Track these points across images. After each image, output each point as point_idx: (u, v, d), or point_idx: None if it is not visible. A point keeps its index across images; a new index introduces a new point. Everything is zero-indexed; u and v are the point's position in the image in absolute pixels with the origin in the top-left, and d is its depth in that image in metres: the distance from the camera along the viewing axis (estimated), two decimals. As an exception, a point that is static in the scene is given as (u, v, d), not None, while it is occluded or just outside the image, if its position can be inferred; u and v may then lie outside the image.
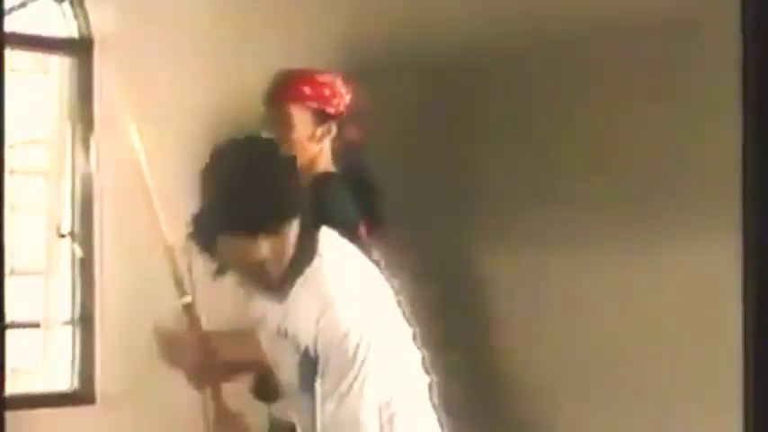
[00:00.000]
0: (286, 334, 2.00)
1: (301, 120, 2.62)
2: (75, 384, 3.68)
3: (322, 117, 2.63)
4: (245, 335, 2.21)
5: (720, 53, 2.85)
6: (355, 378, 1.88)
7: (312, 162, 2.60)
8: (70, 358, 3.69)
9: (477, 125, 3.63)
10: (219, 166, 1.92)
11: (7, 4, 3.41)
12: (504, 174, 3.55)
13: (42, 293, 3.70)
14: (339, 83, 2.69)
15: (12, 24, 3.50)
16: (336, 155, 2.69)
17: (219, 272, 1.97)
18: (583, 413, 3.37)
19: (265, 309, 2.07)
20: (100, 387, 3.66)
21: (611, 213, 3.31)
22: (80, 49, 3.70)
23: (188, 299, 2.14)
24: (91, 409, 3.66)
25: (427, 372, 2.03)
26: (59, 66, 3.74)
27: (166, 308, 2.21)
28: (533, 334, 3.50)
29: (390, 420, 1.91)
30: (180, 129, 3.72)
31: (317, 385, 1.93)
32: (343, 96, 2.66)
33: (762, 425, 1.01)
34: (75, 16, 3.69)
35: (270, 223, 1.88)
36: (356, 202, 2.59)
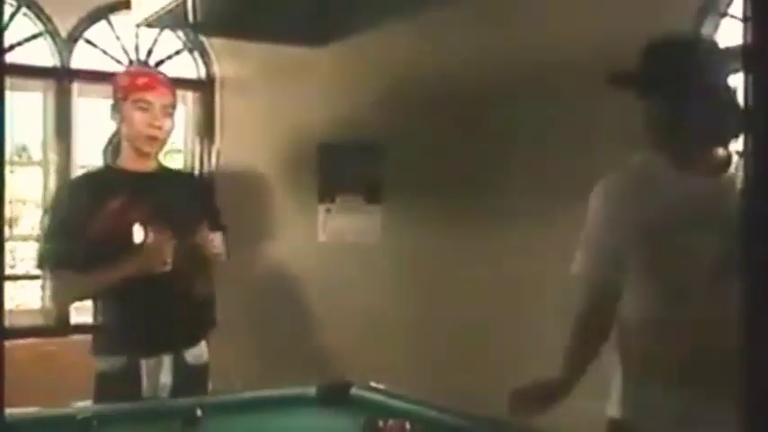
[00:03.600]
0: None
1: None
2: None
3: None
4: None
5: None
6: None
7: None
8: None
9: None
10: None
11: (159, 56, 4.92)
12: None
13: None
14: None
15: (164, 70, 4.95)
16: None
17: None
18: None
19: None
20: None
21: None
22: (206, 86, 4.92)
23: None
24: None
25: None
26: (192, 97, 4.88)
27: None
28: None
29: None
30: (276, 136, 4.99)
31: None
32: None
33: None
34: (204, 63, 4.96)
35: None
36: None
